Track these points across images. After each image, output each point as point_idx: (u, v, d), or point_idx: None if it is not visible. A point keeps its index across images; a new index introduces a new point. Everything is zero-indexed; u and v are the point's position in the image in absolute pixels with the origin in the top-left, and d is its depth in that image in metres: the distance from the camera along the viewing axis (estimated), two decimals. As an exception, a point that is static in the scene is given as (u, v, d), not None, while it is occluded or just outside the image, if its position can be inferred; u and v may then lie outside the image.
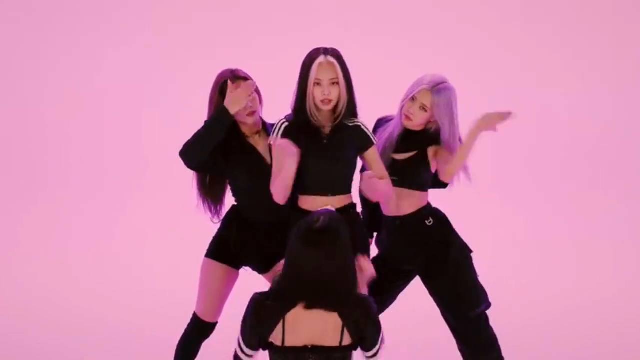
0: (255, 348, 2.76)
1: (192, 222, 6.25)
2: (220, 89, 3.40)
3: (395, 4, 6.83)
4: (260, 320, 2.70)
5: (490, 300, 3.59)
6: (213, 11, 6.71)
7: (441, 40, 6.79)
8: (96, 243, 6.41)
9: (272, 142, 3.25)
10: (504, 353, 3.65)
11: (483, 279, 3.63)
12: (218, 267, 3.52)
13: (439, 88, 3.41)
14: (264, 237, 3.47)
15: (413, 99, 3.43)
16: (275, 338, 2.71)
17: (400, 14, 6.81)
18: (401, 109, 3.49)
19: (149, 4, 6.81)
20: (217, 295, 3.50)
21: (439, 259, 3.47)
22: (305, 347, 2.69)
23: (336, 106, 3.22)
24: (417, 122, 3.45)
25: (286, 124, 3.27)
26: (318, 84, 3.16)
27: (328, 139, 3.23)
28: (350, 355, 2.76)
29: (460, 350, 3.61)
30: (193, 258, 5.84)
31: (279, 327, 2.69)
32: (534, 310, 5.51)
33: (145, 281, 5.93)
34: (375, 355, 2.81)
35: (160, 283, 5.90)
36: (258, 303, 2.72)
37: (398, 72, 6.20)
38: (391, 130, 3.52)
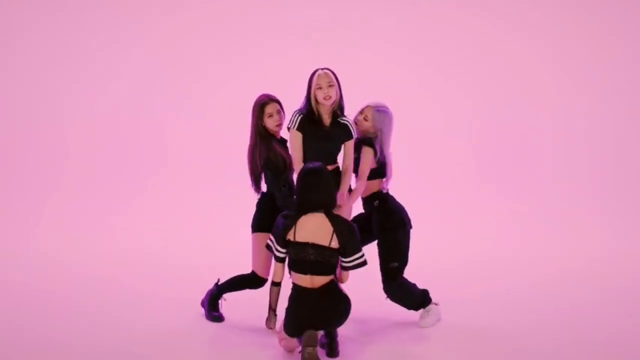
0: (281, 244, 4.25)
1: (202, 216, 6.84)
2: (260, 107, 4.67)
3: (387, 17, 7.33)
4: (285, 221, 4.22)
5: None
6: (225, 28, 7.33)
7: (427, 52, 7.31)
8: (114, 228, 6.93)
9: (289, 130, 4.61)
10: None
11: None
12: (265, 237, 4.60)
13: (379, 109, 4.69)
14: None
15: (361, 111, 4.74)
16: (290, 235, 4.21)
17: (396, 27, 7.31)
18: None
19: (163, 19, 7.33)
20: (268, 257, 4.65)
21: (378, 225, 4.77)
22: (307, 243, 4.18)
23: (333, 103, 4.57)
24: (361, 128, 4.74)
25: (300, 116, 4.58)
26: (319, 88, 4.52)
27: (327, 129, 4.60)
28: (337, 257, 4.19)
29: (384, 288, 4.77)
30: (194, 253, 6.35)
31: (293, 228, 4.21)
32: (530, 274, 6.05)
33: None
34: (350, 263, 4.20)
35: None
36: (286, 215, 4.25)
37: (383, 79, 6.99)
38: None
